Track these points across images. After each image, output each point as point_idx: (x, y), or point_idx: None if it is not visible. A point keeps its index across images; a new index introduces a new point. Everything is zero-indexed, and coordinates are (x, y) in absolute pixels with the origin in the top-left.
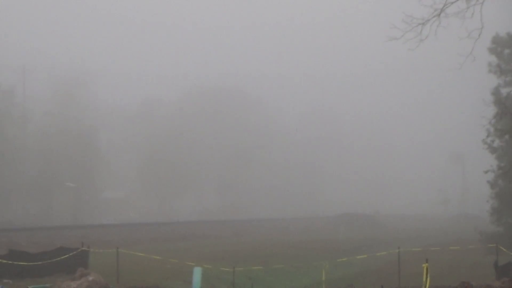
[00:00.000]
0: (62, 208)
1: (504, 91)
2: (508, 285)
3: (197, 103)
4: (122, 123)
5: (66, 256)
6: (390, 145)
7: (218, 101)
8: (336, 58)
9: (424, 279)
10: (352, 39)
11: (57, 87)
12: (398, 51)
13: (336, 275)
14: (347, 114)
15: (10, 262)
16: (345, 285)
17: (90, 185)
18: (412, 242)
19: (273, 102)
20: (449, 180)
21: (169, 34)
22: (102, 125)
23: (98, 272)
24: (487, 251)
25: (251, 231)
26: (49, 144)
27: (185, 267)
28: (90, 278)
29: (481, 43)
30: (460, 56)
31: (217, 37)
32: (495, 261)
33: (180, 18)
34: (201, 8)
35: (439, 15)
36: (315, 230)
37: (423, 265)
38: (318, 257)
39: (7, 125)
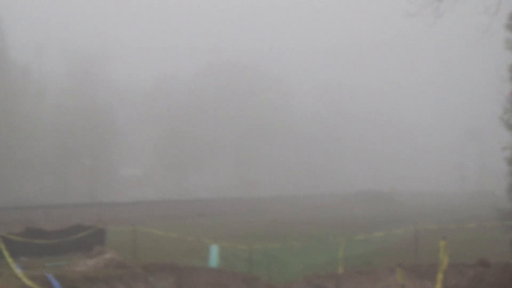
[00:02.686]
0: (79, 185)
1: None
2: None
3: (213, 78)
4: (138, 100)
5: (83, 234)
6: (407, 122)
7: (234, 76)
8: (353, 32)
9: (441, 256)
10: (369, 14)
11: (73, 63)
12: (415, 26)
13: (353, 252)
14: (364, 89)
15: (27, 240)
16: (361, 262)
17: (106, 162)
18: (429, 219)
19: (290, 77)
20: (466, 157)
21: (184, 9)
22: (118, 102)
23: (115, 250)
24: (505, 229)
25: (268, 208)
26: (65, 121)
27: (202, 245)
28: (107, 256)
29: (498, 19)
30: (477, 32)
31: (232, 11)
32: None
33: None
34: None
35: None
36: (333, 207)
37: (441, 242)
38: (335, 235)
39: (23, 102)
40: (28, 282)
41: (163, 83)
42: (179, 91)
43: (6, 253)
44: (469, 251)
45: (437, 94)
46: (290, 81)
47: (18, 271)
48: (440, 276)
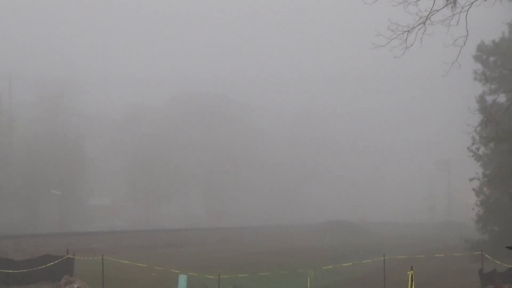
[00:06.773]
0: (48, 215)
1: (489, 98)
2: None
3: (184, 108)
4: (108, 130)
5: (51, 263)
6: (375, 152)
7: (205, 107)
8: (322, 64)
9: (409, 286)
10: (338, 46)
11: (43, 93)
12: (383, 58)
13: (322, 283)
14: (334, 120)
15: None
16: None
17: (76, 192)
18: (398, 250)
19: (260, 107)
20: (435, 188)
21: (154, 40)
22: (89, 132)
23: (83, 279)
24: (473, 259)
25: (237, 238)
26: (35, 151)
27: (171, 275)
28: (75, 286)
29: (466, 51)
30: (445, 64)
31: (202, 41)
32: (480, 268)
33: (165, 24)
34: (187, 14)
35: (424, 22)
36: (301, 237)
37: (408, 272)
38: (303, 265)
39: None
40: None
41: (133, 112)
42: (149, 121)
43: None
44: (437, 281)
45: (407, 125)
46: (260, 111)
47: None
48: None
